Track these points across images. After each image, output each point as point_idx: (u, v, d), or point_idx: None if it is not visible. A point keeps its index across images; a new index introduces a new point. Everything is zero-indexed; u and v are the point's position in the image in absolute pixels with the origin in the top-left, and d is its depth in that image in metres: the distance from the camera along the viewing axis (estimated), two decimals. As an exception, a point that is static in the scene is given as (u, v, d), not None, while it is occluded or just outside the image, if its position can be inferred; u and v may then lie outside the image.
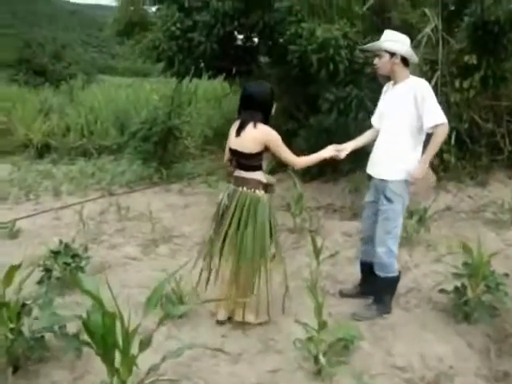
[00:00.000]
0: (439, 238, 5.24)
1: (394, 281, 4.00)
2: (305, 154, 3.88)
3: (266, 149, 3.59)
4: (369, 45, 3.93)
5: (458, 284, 3.89)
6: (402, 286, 4.27)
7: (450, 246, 5.14)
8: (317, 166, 6.60)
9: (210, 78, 6.82)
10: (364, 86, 5.03)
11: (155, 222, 6.08)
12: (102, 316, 2.25)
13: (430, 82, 4.36)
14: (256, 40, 6.91)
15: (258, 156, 3.60)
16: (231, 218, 3.77)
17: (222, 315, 3.94)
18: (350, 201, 6.20)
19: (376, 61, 3.88)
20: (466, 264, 3.86)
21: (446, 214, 5.66)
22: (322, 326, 3.23)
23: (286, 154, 3.65)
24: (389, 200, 3.83)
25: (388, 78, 3.99)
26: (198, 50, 5.42)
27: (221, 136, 7.93)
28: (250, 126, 3.52)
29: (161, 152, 8.54)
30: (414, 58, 3.85)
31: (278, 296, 3.99)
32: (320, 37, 4.63)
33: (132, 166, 9.22)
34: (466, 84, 5.33)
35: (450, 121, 5.82)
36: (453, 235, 5.30)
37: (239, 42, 6.71)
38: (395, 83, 3.88)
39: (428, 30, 5.20)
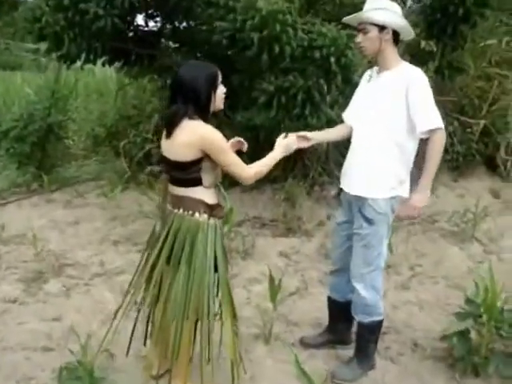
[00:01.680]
0: (398, 257, 4.42)
1: (379, 326, 3.07)
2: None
3: (207, 156, 2.48)
4: (350, 16, 2.92)
5: (460, 326, 3.04)
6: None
7: (412, 266, 4.37)
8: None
9: (104, 64, 5.49)
10: (310, 74, 4.06)
11: (41, 249, 4.70)
12: None
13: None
14: (159, 19, 5.71)
15: (194, 166, 2.48)
16: (159, 251, 2.64)
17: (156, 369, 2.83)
18: (281, 213, 5.22)
19: (359, 38, 2.87)
20: (469, 301, 3.03)
21: (398, 226, 4.88)
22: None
23: (233, 164, 2.52)
24: (369, 222, 2.88)
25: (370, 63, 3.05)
26: (96, 25, 4.14)
27: (115, 135, 6.61)
28: (182, 123, 2.44)
29: (40, 154, 7.08)
30: (409, 33, 2.90)
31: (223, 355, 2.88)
32: (263, 9, 3.58)
33: (4, 172, 7.60)
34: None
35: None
36: (411, 252, 4.53)
37: (140, 21, 5.48)
38: (381, 69, 2.91)
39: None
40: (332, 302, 3.30)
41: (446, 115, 5.25)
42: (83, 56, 4.86)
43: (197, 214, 2.57)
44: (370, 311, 2.98)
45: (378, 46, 2.83)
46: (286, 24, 3.70)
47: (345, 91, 4.07)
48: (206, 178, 2.55)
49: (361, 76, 4.07)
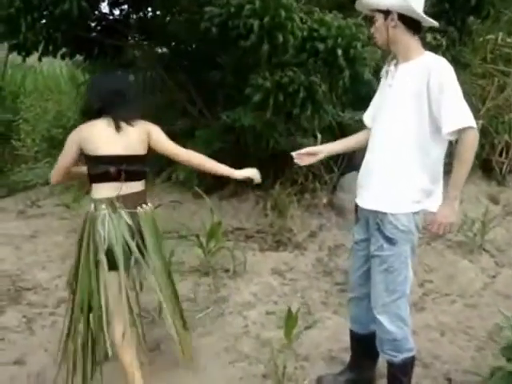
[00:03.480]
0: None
1: (412, 363, 2.60)
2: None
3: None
4: (357, 2, 2.51)
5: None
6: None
7: (422, 283, 3.94)
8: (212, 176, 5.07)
9: (63, 57, 4.81)
10: (311, 69, 3.55)
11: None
12: None
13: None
14: (126, 7, 5.08)
15: (146, 157, 2.68)
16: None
17: None
18: (267, 223, 4.69)
19: (372, 28, 2.50)
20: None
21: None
22: None
23: (171, 144, 2.72)
24: (390, 241, 2.43)
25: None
26: (59, 8, 3.50)
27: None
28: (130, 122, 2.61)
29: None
30: (425, 18, 2.41)
31: None
32: (264, -9, 3.05)
33: None
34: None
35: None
36: (419, 266, 4.08)
37: (105, 9, 4.83)
38: (399, 63, 2.47)
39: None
40: (354, 335, 2.82)
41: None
42: (41, 46, 4.19)
43: (150, 205, 2.68)
44: (400, 347, 2.51)
45: (386, 36, 2.41)
46: (291, 10, 3.19)
47: (352, 88, 3.59)
48: None
49: (372, 73, 3.64)
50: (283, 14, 3.13)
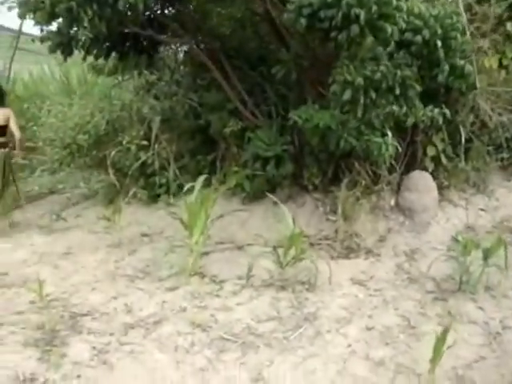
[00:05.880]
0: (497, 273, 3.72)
1: None
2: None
3: None
4: None
5: None
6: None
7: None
8: (263, 177, 4.68)
9: (97, 57, 4.36)
10: (403, 63, 3.24)
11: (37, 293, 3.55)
12: None
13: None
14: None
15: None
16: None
17: None
18: (333, 228, 4.38)
19: None
20: None
21: (471, 235, 4.22)
22: None
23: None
24: None
25: None
26: (123, 2, 3.09)
27: (104, 143, 5.47)
28: None
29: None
30: None
31: None
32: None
33: None
34: (494, 62, 3.91)
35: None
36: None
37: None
38: None
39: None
40: None
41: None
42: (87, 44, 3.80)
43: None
44: None
45: None
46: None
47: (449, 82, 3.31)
48: None
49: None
50: (394, 2, 2.83)
